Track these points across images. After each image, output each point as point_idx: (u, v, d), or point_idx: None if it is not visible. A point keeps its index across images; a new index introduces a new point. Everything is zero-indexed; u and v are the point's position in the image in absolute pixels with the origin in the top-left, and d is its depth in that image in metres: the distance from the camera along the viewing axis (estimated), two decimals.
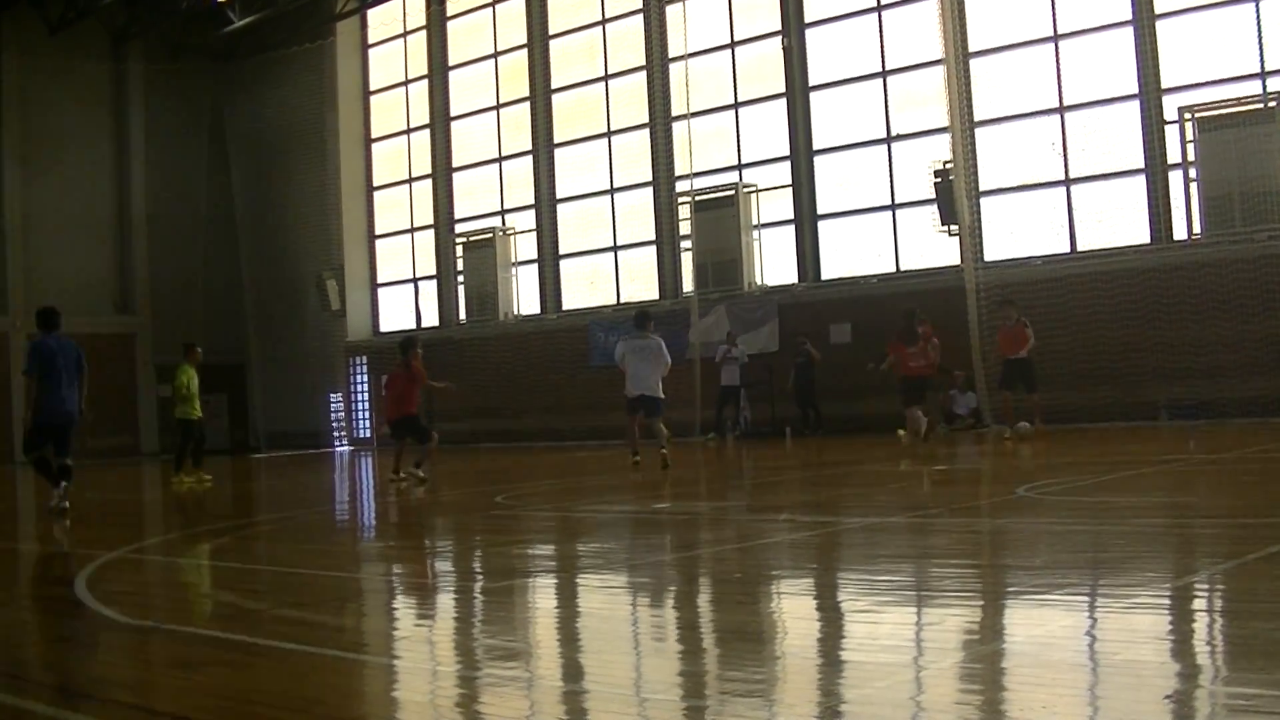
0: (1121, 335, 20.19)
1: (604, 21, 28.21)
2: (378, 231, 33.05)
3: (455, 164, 31.23)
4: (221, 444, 30.68)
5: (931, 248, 22.92)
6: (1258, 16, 19.81)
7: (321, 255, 32.38)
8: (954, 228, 21.88)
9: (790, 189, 25.06)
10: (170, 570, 8.65)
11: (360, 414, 32.46)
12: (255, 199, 33.58)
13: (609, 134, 28.01)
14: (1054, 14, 21.96)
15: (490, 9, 30.38)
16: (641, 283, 27.60)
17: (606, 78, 28.09)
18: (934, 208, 22.32)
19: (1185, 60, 20.55)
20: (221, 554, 9.71)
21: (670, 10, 26.71)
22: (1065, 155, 21.77)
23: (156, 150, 33.42)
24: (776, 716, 3.86)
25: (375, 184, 33.11)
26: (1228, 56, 20.11)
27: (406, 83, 32.25)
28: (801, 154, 24.88)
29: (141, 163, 33.45)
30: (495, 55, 30.33)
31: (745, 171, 25.79)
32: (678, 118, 26.26)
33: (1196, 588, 5.76)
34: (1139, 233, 21.08)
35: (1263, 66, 19.75)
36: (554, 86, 29.12)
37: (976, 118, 22.61)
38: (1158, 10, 20.79)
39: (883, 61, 23.95)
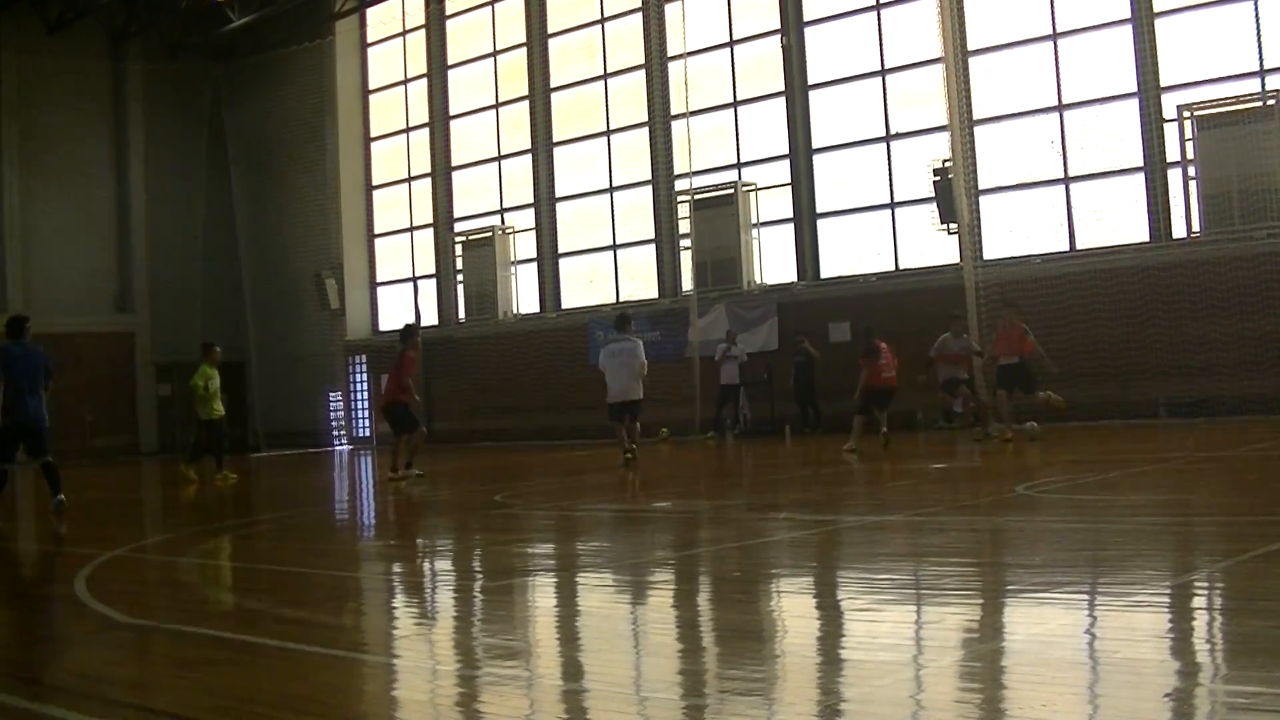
0: (1120, 333, 20.18)
1: (603, 20, 28.19)
2: (377, 230, 33.04)
3: (454, 163, 31.22)
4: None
5: (931, 246, 22.90)
6: (1256, 15, 19.79)
7: (321, 254, 32.36)
8: (953, 226, 21.87)
9: (789, 187, 25.05)
10: (169, 569, 8.65)
11: (360, 413, 32.45)
12: (254, 198, 33.57)
13: (608, 133, 28.00)
14: (1053, 12, 21.93)
15: (489, 8, 30.35)
16: (641, 281, 27.60)
17: (606, 76, 28.08)
18: (933, 206, 22.31)
19: (1184, 58, 20.53)
20: (221, 553, 9.72)
21: (669, 9, 26.69)
22: (1064, 153, 21.76)
23: (155, 149, 33.41)
24: (776, 715, 3.86)
25: (374, 183, 33.10)
26: (1227, 55, 20.09)
27: (406, 82, 32.24)
28: (801, 152, 24.87)
29: (140, 162, 33.44)
30: (494, 54, 30.32)
31: (744, 170, 25.78)
32: (677, 116, 26.25)
33: (1196, 586, 5.76)
34: (1138, 231, 21.07)
35: (1261, 65, 19.73)
36: (553, 85, 29.11)
37: (975, 116, 22.60)
38: (1156, 8, 20.76)
39: (882, 60, 23.94)
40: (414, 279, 32.08)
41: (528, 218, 29.37)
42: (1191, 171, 19.93)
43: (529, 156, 29.34)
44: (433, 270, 31.56)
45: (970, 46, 22.44)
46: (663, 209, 26.73)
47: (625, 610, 6.18)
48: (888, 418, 17.03)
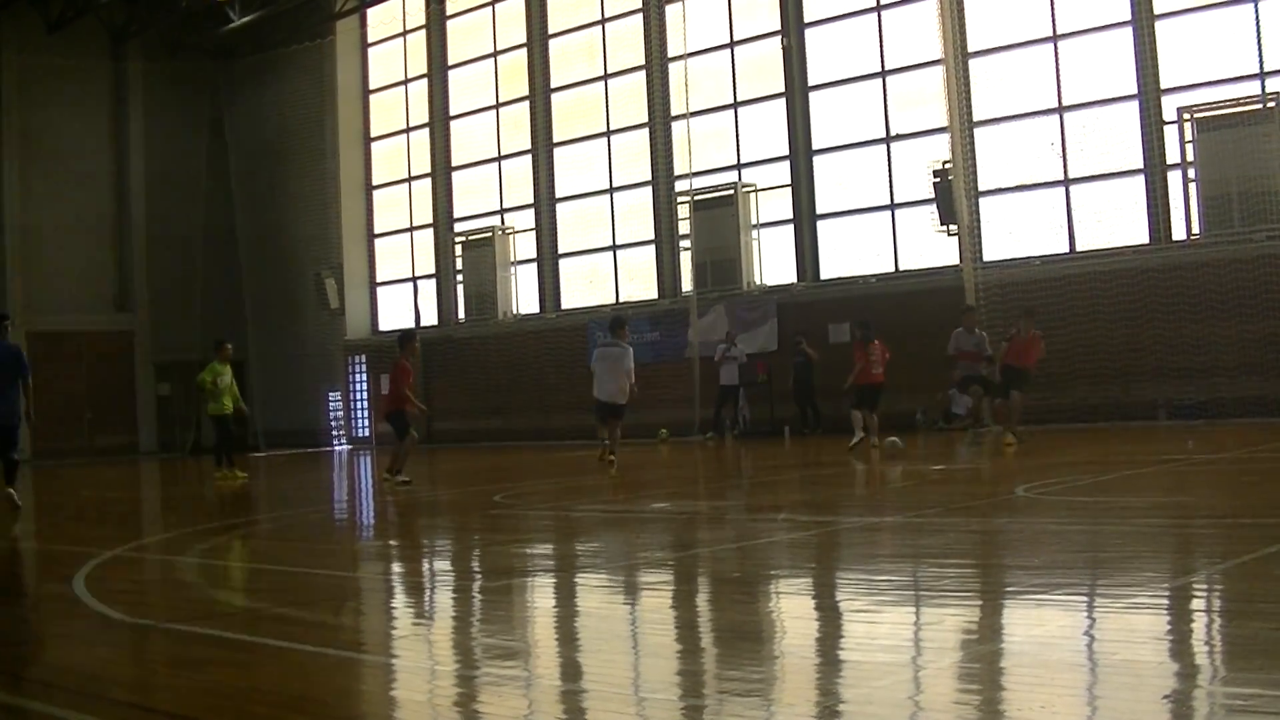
0: (1120, 335, 20.19)
1: (603, 21, 28.20)
2: (377, 230, 33.04)
3: (454, 163, 31.22)
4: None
5: (930, 248, 22.91)
6: (1256, 17, 19.80)
7: (320, 254, 32.37)
8: (953, 228, 21.87)
9: (789, 188, 25.05)
10: (169, 569, 8.65)
11: (359, 413, 32.45)
12: (254, 198, 33.57)
13: (608, 133, 28.00)
14: (1053, 14, 21.94)
15: (490, 8, 30.36)
16: (640, 282, 27.60)
17: (606, 77, 28.08)
18: (933, 207, 22.32)
19: (1184, 61, 20.53)
20: (220, 552, 9.71)
21: (670, 10, 26.70)
22: (1064, 155, 21.76)
23: (155, 148, 33.42)
24: (775, 716, 3.86)
25: (374, 183, 33.10)
26: (1227, 57, 20.09)
27: (406, 82, 32.24)
28: (800, 154, 24.87)
29: (140, 160, 33.46)
30: (495, 54, 30.32)
31: (744, 171, 25.78)
32: (677, 117, 26.25)
33: (1195, 588, 5.77)
34: (1138, 233, 21.07)
35: (1261, 67, 19.74)
36: (553, 86, 29.11)
37: (975, 118, 22.60)
38: (1157, 10, 20.77)
39: (882, 61, 23.94)
40: (414, 279, 32.09)
41: (528, 218, 29.38)
42: (1191, 173, 19.94)
43: (529, 157, 29.34)
44: (432, 270, 31.56)
45: (970, 48, 22.45)
46: (663, 210, 26.74)
47: (624, 611, 6.18)
48: (878, 422, 16.97)
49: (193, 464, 25.88)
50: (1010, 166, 22.28)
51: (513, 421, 28.25)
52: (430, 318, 31.28)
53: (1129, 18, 20.93)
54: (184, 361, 31.98)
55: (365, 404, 32.12)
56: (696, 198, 25.49)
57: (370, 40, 33.04)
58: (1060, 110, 21.81)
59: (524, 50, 29.48)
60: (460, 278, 29.96)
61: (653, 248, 27.23)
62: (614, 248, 27.96)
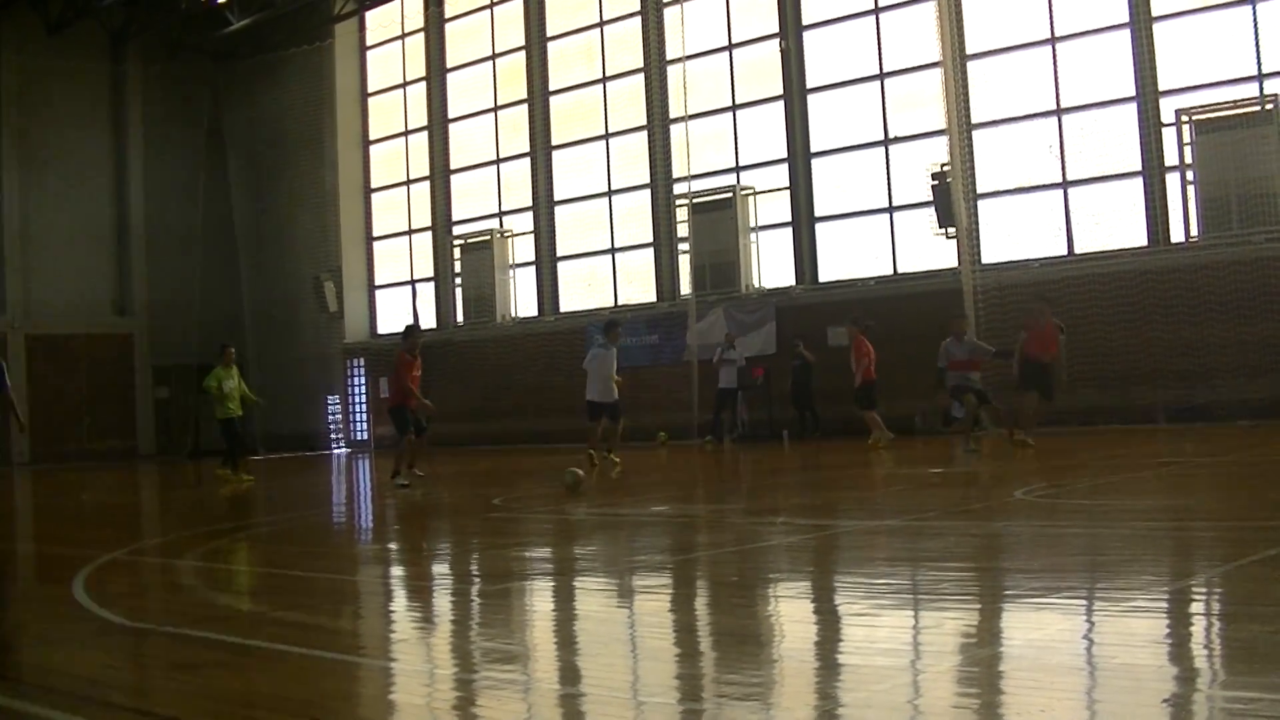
0: (1119, 338, 20.19)
1: (602, 24, 28.22)
2: (375, 233, 33.05)
3: (453, 166, 31.23)
4: (218, 445, 30.62)
5: (929, 250, 22.91)
6: (1254, 19, 19.83)
7: (319, 257, 32.37)
8: (951, 230, 21.88)
9: (788, 191, 25.06)
10: (168, 572, 8.64)
11: (358, 416, 32.44)
12: (253, 200, 33.58)
13: (607, 136, 28.01)
14: (1051, 16, 21.96)
15: (488, 11, 30.38)
16: (639, 285, 27.60)
17: (605, 80, 28.09)
18: (931, 210, 22.33)
19: (1182, 63, 20.55)
20: (219, 556, 9.70)
21: (668, 12, 26.72)
22: (1063, 158, 21.77)
23: (154, 151, 33.42)
24: None
25: (373, 186, 33.11)
26: (1225, 59, 20.12)
27: (405, 84, 32.26)
28: (799, 156, 24.89)
29: (139, 163, 33.46)
30: (493, 57, 30.34)
31: (743, 174, 25.78)
32: (676, 120, 26.26)
33: (1194, 591, 5.76)
34: (1136, 235, 21.09)
35: (1259, 69, 19.76)
36: (552, 88, 29.13)
37: (974, 120, 22.62)
38: (1155, 13, 20.79)
39: (880, 64, 23.96)
40: (412, 282, 32.09)
41: (526, 221, 29.38)
42: (1190, 176, 19.95)
43: (528, 160, 29.36)
44: (431, 273, 31.56)
45: (969, 50, 22.47)
46: (661, 212, 26.74)
47: (623, 614, 6.18)
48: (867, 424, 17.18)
49: (191, 467, 25.86)
50: (1009, 169, 22.30)
51: (511, 424, 28.24)
52: (429, 321, 31.27)
53: (1127, 20, 20.95)
54: (183, 365, 32.00)
55: (364, 407, 32.10)
56: (695, 200, 25.50)
57: (369, 43, 33.06)
58: (1059, 112, 21.83)
59: (522, 53, 29.49)
60: (459, 281, 29.96)
61: (651, 250, 27.24)
62: (613, 250, 27.96)
